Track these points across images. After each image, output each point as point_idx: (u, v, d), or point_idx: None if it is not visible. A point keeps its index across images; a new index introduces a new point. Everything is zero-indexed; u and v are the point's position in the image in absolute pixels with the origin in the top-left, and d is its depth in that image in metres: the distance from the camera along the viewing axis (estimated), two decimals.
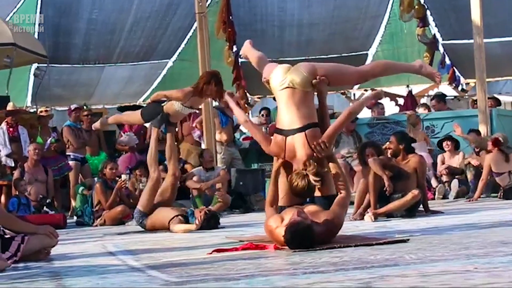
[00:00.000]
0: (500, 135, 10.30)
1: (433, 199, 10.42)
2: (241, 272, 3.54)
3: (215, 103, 11.58)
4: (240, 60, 13.79)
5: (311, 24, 16.89)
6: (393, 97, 15.97)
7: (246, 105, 15.41)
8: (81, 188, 10.15)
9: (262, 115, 13.48)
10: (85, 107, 12.91)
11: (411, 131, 11.02)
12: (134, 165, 10.46)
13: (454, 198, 10.51)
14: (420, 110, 12.68)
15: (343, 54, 16.96)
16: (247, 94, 15.61)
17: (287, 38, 17.10)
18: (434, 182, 11.00)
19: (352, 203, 6.55)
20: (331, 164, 4.98)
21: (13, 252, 4.57)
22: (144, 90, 17.37)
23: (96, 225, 9.19)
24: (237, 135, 12.47)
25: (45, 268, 4.35)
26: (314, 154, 4.89)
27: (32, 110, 13.51)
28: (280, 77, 5.10)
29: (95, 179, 10.23)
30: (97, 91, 17.51)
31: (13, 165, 10.76)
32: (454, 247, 4.11)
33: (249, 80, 13.99)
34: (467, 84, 16.87)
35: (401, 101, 15.72)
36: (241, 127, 12.43)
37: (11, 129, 10.93)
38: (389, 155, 7.62)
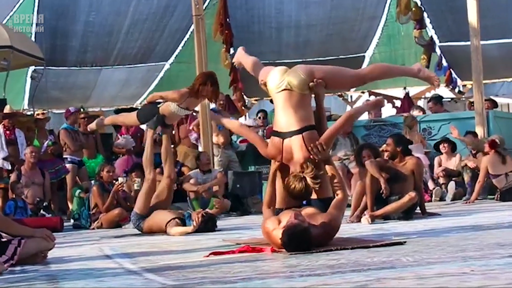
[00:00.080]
0: (496, 137, 10.32)
1: (430, 201, 10.43)
2: (238, 275, 3.54)
3: (212, 106, 11.57)
4: None
5: (308, 26, 16.92)
6: (390, 99, 15.97)
7: (243, 108, 15.42)
8: (78, 191, 10.14)
9: (259, 118, 13.49)
10: (82, 110, 12.91)
11: (408, 133, 11.03)
12: (129, 168, 10.46)
13: (451, 200, 10.52)
14: (415, 113, 12.69)
15: (340, 56, 16.99)
16: (244, 96, 15.61)
17: (284, 40, 17.13)
18: (431, 184, 11.02)
19: (349, 205, 6.55)
20: (327, 167, 4.98)
21: (10, 256, 4.56)
22: (142, 92, 17.37)
23: (93, 228, 9.18)
24: (234, 137, 12.47)
25: (42, 272, 4.35)
26: (311, 156, 4.89)
27: (29, 113, 13.52)
28: (277, 79, 5.09)
29: (92, 182, 10.22)
30: (94, 93, 17.50)
31: (10, 168, 10.74)
32: (451, 249, 4.11)
33: (246, 82, 13.98)
34: (464, 86, 16.91)
35: (398, 103, 15.73)
36: None
37: (8, 132, 10.91)
38: (386, 158, 7.62)
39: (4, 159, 10.81)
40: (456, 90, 16.74)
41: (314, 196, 4.94)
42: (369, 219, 7.03)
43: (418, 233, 5.48)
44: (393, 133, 10.47)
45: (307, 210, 4.79)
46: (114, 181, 9.59)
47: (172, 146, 10.53)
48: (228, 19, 14.22)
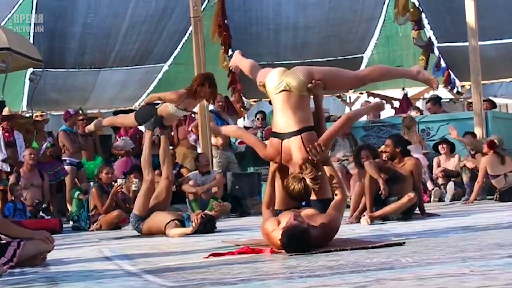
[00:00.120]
0: (495, 137, 10.32)
1: (429, 201, 10.43)
2: (237, 276, 3.54)
3: (211, 107, 11.58)
4: None
5: (306, 27, 16.93)
6: (388, 100, 15.97)
7: (241, 109, 15.42)
8: (77, 192, 10.14)
9: (258, 119, 13.48)
10: (80, 112, 12.90)
11: (406, 134, 11.03)
12: (128, 169, 10.45)
13: (450, 201, 10.52)
14: (413, 113, 12.70)
15: (338, 57, 17.00)
16: (243, 97, 15.60)
17: (282, 41, 17.13)
18: (430, 185, 11.02)
19: (348, 206, 6.55)
20: (326, 168, 4.98)
21: (9, 258, 4.55)
22: (140, 94, 17.36)
23: (92, 230, 9.17)
24: (233, 139, 12.47)
25: (41, 273, 4.34)
26: (310, 157, 4.89)
27: (27, 115, 13.50)
28: (276, 81, 5.09)
29: (91, 183, 10.21)
30: (93, 95, 17.50)
31: (8, 170, 10.74)
32: (450, 250, 4.11)
33: (245, 83, 13.98)
34: (463, 86, 16.92)
35: (396, 104, 15.73)
36: None
37: (6, 134, 10.91)
38: (385, 159, 7.62)
39: (3, 161, 10.81)
40: (455, 90, 16.75)
41: (313, 197, 4.94)
42: (368, 220, 7.03)
43: (417, 233, 5.49)
44: (391, 134, 10.47)
45: (307, 211, 4.79)
46: (113, 183, 9.58)
47: (171, 147, 10.55)
48: (226, 21, 14.23)
